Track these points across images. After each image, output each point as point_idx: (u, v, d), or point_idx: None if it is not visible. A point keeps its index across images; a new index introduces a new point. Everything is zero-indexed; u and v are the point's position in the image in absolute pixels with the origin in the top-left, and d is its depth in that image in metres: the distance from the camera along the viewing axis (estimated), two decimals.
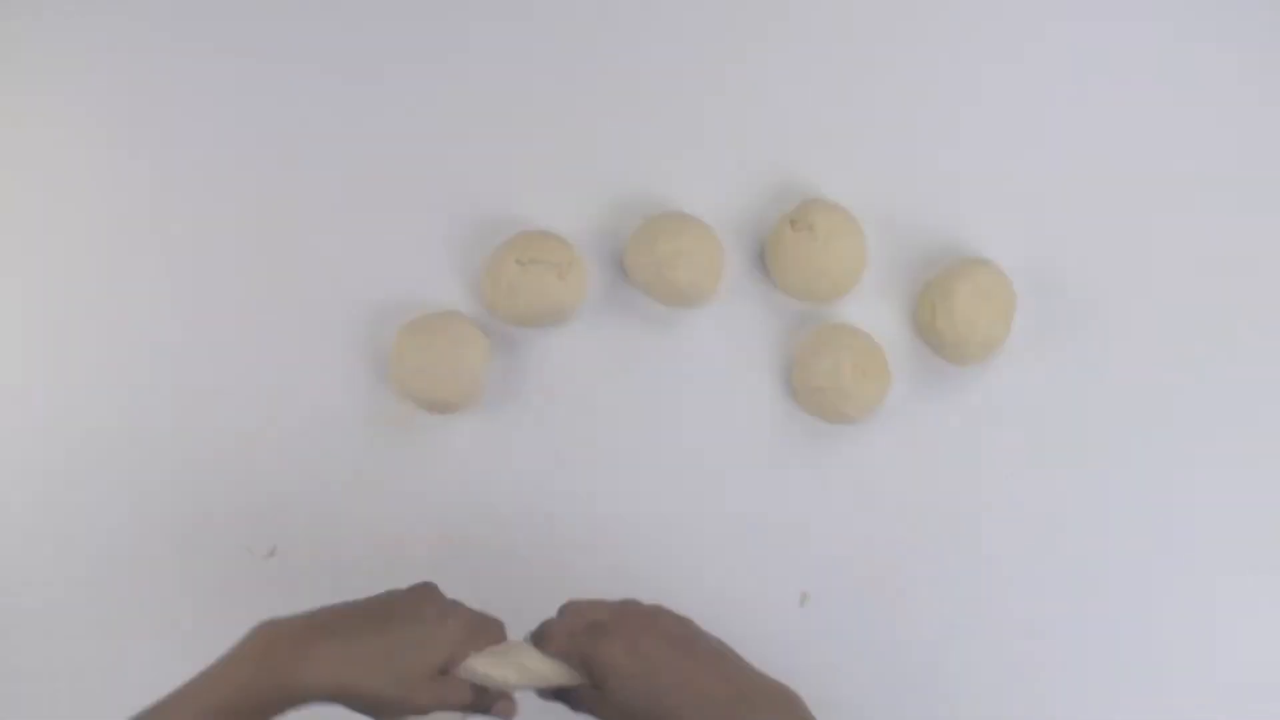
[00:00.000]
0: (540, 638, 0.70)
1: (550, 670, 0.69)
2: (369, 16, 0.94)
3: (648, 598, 0.86)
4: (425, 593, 0.71)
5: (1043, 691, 0.86)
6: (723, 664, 0.69)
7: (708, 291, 0.88)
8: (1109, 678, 0.86)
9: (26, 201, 0.93)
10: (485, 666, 0.68)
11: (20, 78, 0.94)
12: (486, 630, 0.70)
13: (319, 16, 0.94)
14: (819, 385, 0.85)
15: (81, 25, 0.94)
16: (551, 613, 0.72)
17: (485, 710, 0.70)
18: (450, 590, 0.71)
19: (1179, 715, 0.85)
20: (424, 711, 0.67)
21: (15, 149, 0.93)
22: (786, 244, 0.87)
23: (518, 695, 0.71)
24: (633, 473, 0.88)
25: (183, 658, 0.87)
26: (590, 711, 0.69)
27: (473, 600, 0.71)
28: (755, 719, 0.66)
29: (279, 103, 0.93)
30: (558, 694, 0.71)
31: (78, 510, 0.89)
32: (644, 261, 0.87)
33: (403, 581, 0.87)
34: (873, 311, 0.89)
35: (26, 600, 0.89)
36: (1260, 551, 0.87)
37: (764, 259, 0.89)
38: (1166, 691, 0.85)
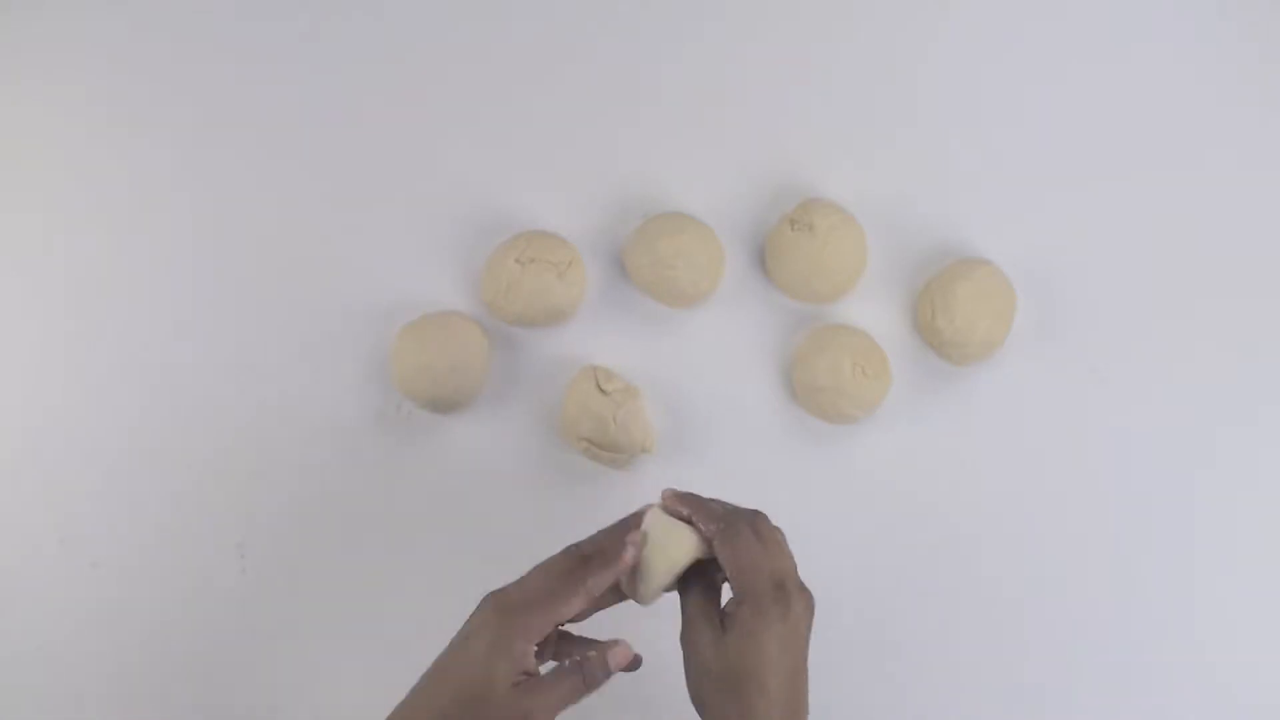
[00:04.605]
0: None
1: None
2: (369, 17, 0.94)
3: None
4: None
5: (1043, 690, 0.86)
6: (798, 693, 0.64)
7: (708, 291, 0.88)
8: (1108, 676, 0.86)
9: (26, 204, 0.93)
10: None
11: (20, 79, 0.94)
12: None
13: (320, 17, 0.94)
14: (819, 385, 0.85)
15: (81, 28, 0.94)
16: None
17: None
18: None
19: (1178, 715, 0.85)
20: None
21: (14, 152, 0.93)
22: (786, 244, 0.87)
23: None
24: (632, 472, 0.88)
25: (181, 655, 0.88)
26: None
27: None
28: None
29: (279, 103, 0.93)
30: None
31: (76, 510, 0.89)
32: (644, 261, 0.87)
33: (402, 579, 0.87)
34: (873, 311, 0.89)
35: (24, 597, 0.89)
36: (1262, 550, 0.87)
37: (764, 259, 0.89)
38: (1166, 691, 0.85)
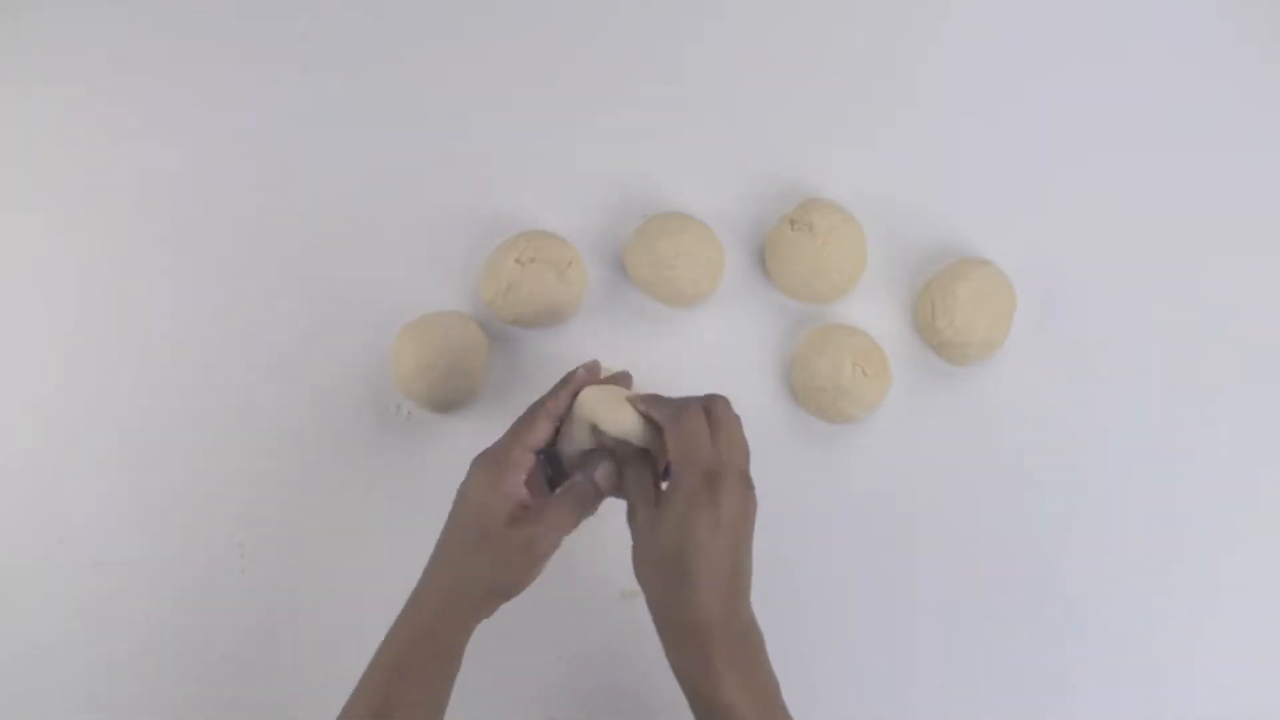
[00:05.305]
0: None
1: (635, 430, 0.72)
2: (369, 17, 0.94)
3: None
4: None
5: (1043, 688, 0.86)
6: (739, 579, 0.67)
7: (707, 291, 0.88)
8: (1110, 675, 0.86)
9: (26, 205, 0.93)
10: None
11: (21, 77, 0.94)
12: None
13: (319, 17, 0.94)
14: (819, 385, 0.85)
15: (81, 28, 0.94)
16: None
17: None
18: None
19: (1179, 714, 0.85)
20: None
21: (15, 150, 0.93)
22: (786, 244, 0.87)
23: None
24: None
25: (181, 655, 0.88)
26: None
27: None
28: (733, 640, 0.66)
29: (279, 103, 0.93)
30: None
31: (76, 510, 0.89)
32: (644, 261, 0.87)
33: (402, 579, 0.87)
34: (873, 311, 0.89)
35: (24, 597, 0.89)
36: (1263, 549, 0.87)
37: (764, 259, 0.89)
38: (1167, 690, 0.86)
